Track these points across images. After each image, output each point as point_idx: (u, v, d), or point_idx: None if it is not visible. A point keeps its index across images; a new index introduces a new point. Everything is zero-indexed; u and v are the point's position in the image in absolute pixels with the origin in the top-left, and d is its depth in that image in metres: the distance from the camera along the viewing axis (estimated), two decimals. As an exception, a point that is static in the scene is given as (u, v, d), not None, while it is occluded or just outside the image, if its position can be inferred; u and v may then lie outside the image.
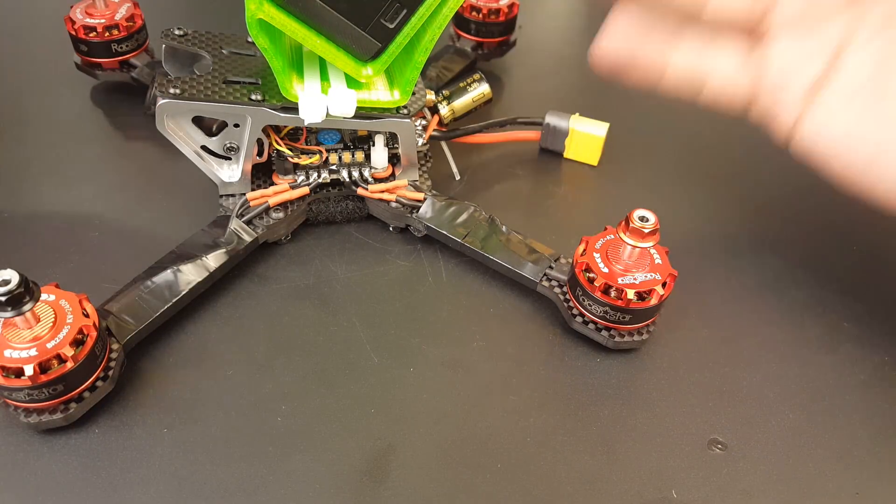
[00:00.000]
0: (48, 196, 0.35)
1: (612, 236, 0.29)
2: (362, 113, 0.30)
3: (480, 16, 0.43)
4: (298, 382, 0.28)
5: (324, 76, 0.31)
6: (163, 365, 0.28)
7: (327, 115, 0.30)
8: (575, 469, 0.26)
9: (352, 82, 0.31)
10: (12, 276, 0.22)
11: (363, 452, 0.26)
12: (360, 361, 0.28)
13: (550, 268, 0.30)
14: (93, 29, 0.38)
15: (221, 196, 0.33)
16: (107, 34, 0.39)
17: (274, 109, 0.30)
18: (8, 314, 0.22)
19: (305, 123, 0.30)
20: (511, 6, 0.43)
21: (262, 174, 0.34)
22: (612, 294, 0.28)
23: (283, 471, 0.25)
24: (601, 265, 0.28)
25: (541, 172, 0.39)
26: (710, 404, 0.28)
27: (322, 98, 0.29)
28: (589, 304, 0.28)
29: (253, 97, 0.30)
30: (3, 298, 0.22)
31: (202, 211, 0.33)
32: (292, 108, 0.30)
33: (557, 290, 0.30)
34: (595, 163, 0.39)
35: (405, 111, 0.31)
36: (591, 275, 0.28)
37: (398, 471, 0.25)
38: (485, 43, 0.44)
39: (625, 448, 0.26)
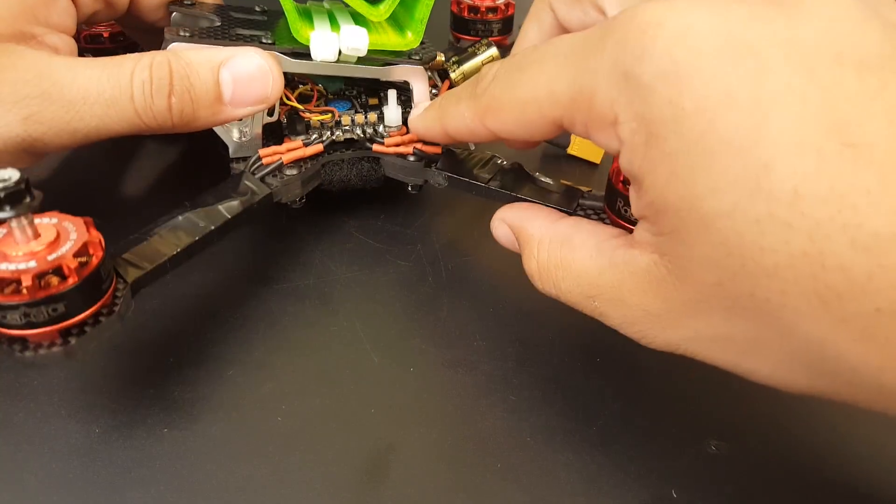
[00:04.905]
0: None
1: None
2: (374, 57, 0.30)
3: (479, 16, 0.43)
4: (298, 382, 0.28)
5: (334, 27, 0.31)
6: (163, 365, 0.28)
7: (339, 54, 0.29)
8: (575, 469, 0.26)
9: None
10: (12, 173, 0.20)
11: (363, 452, 0.26)
12: (360, 361, 0.28)
13: (583, 197, 0.29)
14: (98, 36, 0.38)
15: (232, 160, 0.32)
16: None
17: (284, 54, 0.29)
18: (7, 214, 0.20)
19: (317, 60, 0.29)
20: (507, 5, 0.44)
21: (272, 142, 0.32)
22: None
23: (283, 471, 0.25)
24: None
25: (542, 170, 0.39)
26: (710, 404, 0.28)
27: (333, 36, 0.29)
28: (630, 215, 0.26)
29: (264, 41, 0.29)
30: (1, 195, 0.20)
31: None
32: (304, 55, 0.29)
33: (594, 217, 0.28)
34: (598, 161, 0.39)
35: (417, 57, 0.31)
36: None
37: (398, 471, 0.25)
38: (485, 43, 0.44)
39: (625, 448, 0.26)
